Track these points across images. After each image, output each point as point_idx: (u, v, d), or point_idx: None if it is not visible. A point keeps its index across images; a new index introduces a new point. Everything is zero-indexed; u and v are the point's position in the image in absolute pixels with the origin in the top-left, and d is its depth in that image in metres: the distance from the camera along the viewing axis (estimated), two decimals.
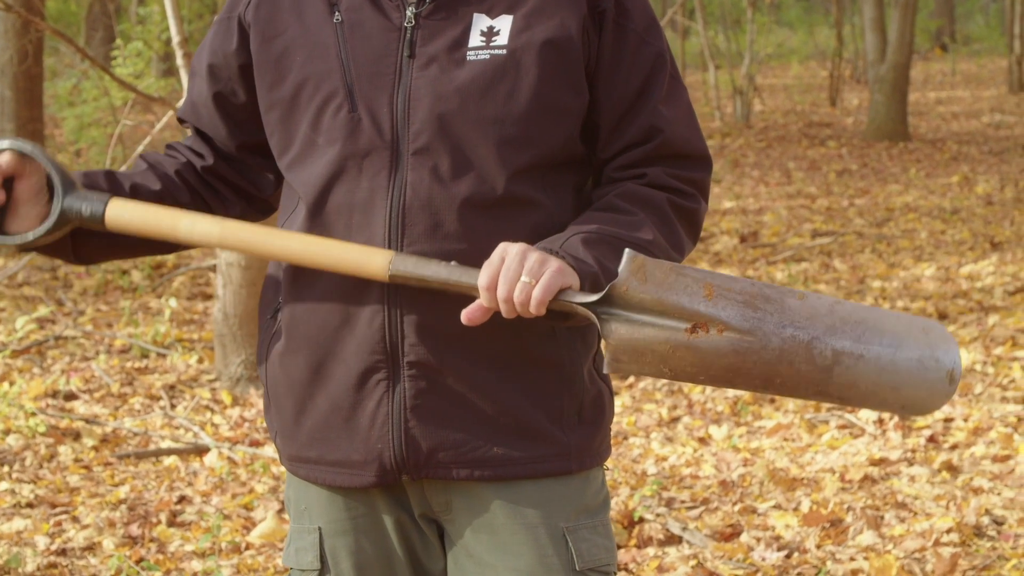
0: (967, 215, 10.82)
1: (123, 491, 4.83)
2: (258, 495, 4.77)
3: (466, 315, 1.88)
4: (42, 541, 4.33)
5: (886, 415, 5.39)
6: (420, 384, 1.97)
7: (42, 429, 5.39)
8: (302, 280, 2.02)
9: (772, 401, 5.82)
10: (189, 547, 4.32)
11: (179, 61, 5.60)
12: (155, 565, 4.15)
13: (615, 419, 4.75)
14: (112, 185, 2.06)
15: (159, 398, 6.08)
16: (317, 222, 1.99)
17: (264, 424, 5.51)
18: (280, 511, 4.54)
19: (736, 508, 4.60)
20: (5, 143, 1.97)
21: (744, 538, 4.32)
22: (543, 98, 1.96)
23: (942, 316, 7.34)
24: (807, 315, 1.89)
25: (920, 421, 5.43)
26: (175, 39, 5.60)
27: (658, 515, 4.49)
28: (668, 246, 1.98)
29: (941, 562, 4.03)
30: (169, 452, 5.29)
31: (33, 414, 5.53)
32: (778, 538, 4.32)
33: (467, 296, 1.89)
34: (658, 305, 1.85)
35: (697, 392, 6.04)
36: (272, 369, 2.08)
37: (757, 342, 1.87)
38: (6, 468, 5.06)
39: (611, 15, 1.99)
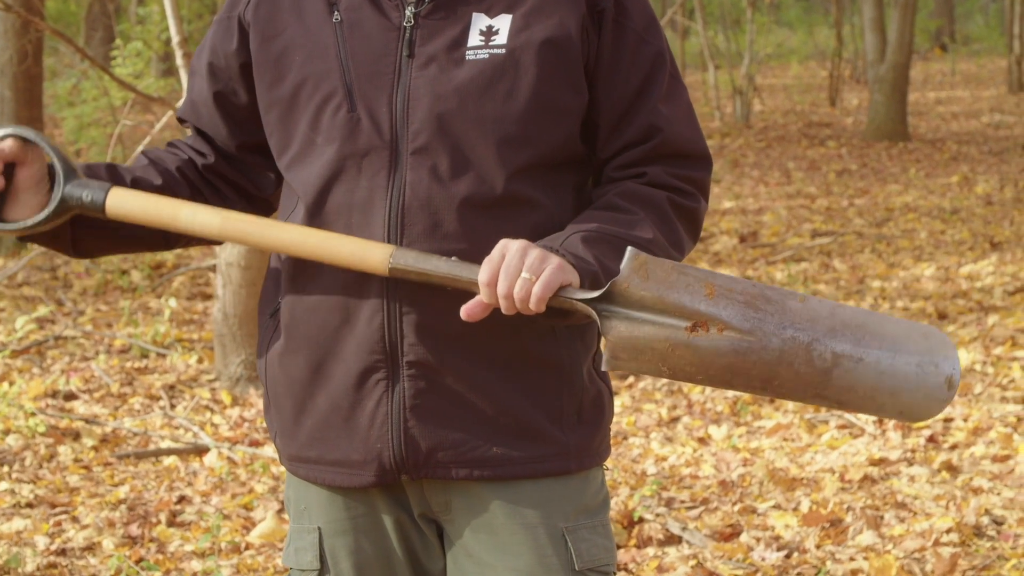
0: (967, 215, 10.82)
1: (123, 491, 4.83)
2: (258, 495, 4.77)
3: (465, 311, 1.87)
4: (42, 541, 4.33)
5: None
6: (419, 384, 1.97)
7: (42, 429, 5.39)
8: (301, 279, 2.02)
9: (772, 401, 5.81)
10: (189, 547, 4.31)
11: (179, 61, 5.60)
12: (155, 565, 4.14)
13: (615, 419, 4.75)
14: (114, 177, 2.05)
15: (159, 398, 6.07)
16: (316, 222, 1.99)
17: (264, 424, 5.51)
18: (280, 511, 4.54)
19: (736, 508, 4.60)
20: (8, 130, 1.97)
21: (744, 538, 4.32)
22: (542, 97, 1.95)
23: (942, 316, 7.34)
24: (808, 317, 1.89)
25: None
26: (175, 39, 5.60)
27: (658, 515, 4.49)
28: (668, 245, 1.97)
29: (941, 562, 4.03)
30: (169, 452, 5.29)
31: (33, 414, 5.53)
32: (778, 538, 4.32)
33: (467, 293, 1.88)
34: (659, 303, 1.85)
35: (697, 392, 6.03)
36: (272, 369, 2.08)
37: (757, 342, 1.87)
38: (6, 468, 5.06)
39: (610, 14, 1.99)
